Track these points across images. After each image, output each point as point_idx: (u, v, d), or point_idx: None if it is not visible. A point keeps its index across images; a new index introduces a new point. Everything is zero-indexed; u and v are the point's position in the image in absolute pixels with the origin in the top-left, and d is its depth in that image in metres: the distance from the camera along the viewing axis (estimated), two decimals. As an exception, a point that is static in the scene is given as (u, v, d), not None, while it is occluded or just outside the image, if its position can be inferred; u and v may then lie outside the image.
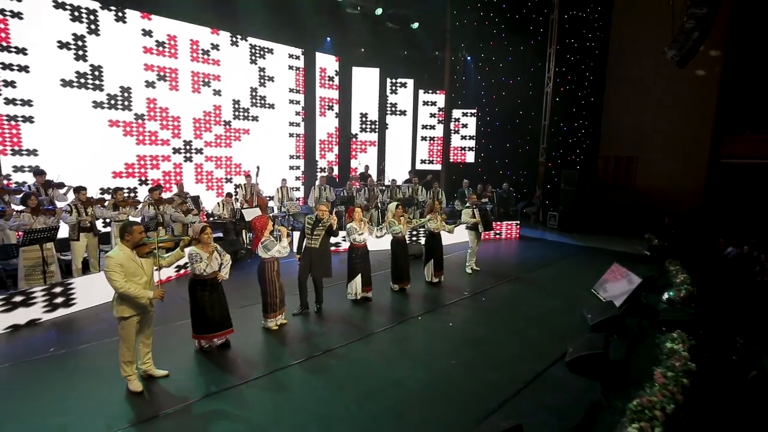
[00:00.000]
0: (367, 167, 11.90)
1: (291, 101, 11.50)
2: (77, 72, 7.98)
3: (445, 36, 12.83)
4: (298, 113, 11.66)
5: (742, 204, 12.42)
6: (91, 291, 5.44)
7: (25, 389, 3.61)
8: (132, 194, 8.78)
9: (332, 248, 6.68)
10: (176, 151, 9.57)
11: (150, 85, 8.99)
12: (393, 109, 13.10)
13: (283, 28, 10.66)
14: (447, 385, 3.82)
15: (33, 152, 7.50)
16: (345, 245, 7.72)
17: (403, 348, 4.68)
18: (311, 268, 5.30)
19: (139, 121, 8.92)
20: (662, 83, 12.75)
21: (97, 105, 8.29)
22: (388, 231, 6.21)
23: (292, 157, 11.73)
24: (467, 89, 13.40)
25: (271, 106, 11.12)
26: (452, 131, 13.66)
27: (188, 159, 9.78)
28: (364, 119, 12.89)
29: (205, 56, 9.82)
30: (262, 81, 10.84)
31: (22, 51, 7.29)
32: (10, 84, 7.21)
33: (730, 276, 8.75)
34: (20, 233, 5.45)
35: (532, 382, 3.86)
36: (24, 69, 7.32)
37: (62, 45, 7.76)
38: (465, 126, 13.63)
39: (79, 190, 6.03)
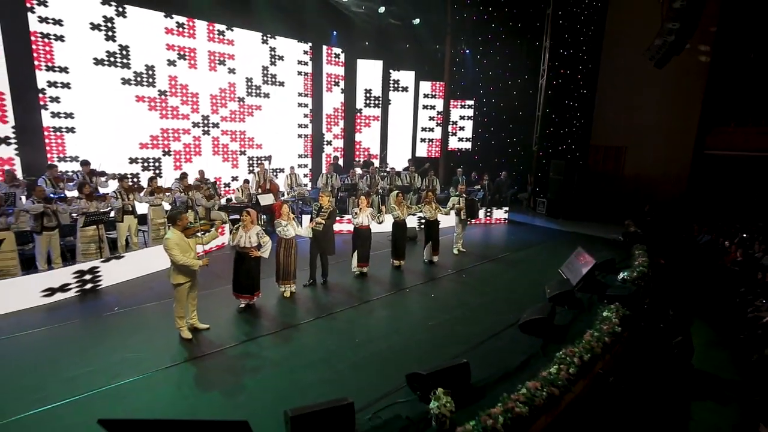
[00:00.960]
0: (369, 155, 12.88)
1: (299, 73, 12.32)
2: (107, 51, 8.86)
3: (446, 30, 13.55)
4: (305, 95, 12.57)
5: (724, 193, 13.25)
6: (138, 264, 6.60)
7: (100, 337, 4.78)
8: (136, 180, 9.67)
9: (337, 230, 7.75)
10: (195, 125, 10.50)
11: (171, 63, 9.86)
12: (396, 85, 13.90)
13: (291, 23, 11.47)
14: (422, 338, 4.92)
15: (70, 116, 8.52)
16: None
17: (392, 312, 5.79)
18: (318, 246, 6.38)
19: (162, 96, 9.84)
20: (652, 77, 13.38)
21: (125, 82, 9.21)
22: (391, 214, 7.28)
23: (300, 132, 12.65)
24: (466, 81, 14.18)
25: (281, 84, 11.96)
26: (450, 124, 14.52)
27: (206, 132, 10.71)
28: (368, 95, 13.71)
29: (221, 36, 10.63)
30: (272, 60, 11.64)
31: (60, 38, 8.23)
32: (51, 69, 8.23)
33: (694, 260, 9.70)
34: (76, 216, 6.57)
35: (488, 339, 4.95)
36: (60, 39, 8.24)
37: (94, 26, 8.60)
38: (462, 119, 14.50)
39: (122, 179, 7.14)
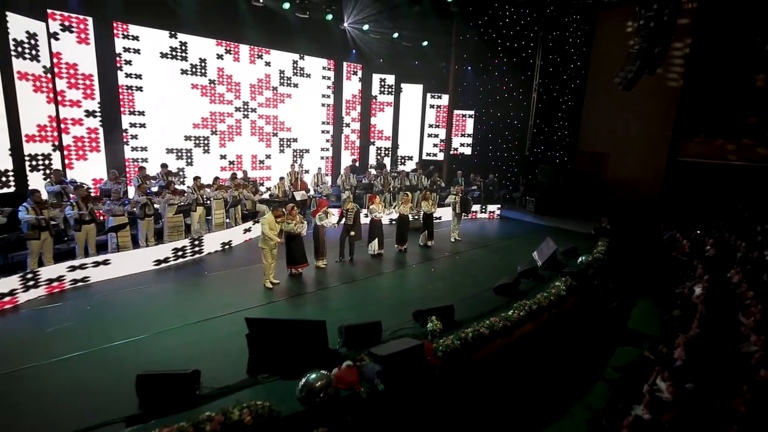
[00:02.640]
0: (382, 157, 14.94)
1: (323, 76, 14.27)
2: (170, 47, 10.92)
3: (450, 50, 15.51)
4: (328, 86, 14.52)
5: (693, 196, 15.16)
6: (215, 241, 8.76)
7: (197, 291, 6.90)
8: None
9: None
10: (237, 109, 12.47)
11: (219, 57, 11.84)
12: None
13: (316, 43, 13.40)
14: (423, 295, 6.98)
15: (141, 113, 10.64)
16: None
17: (402, 280, 7.89)
18: (348, 233, 8.47)
19: (212, 85, 11.85)
20: (632, 93, 15.25)
21: (183, 72, 11.28)
22: (399, 210, 9.36)
23: (323, 120, 14.66)
24: (467, 93, 16.14)
25: (308, 76, 13.84)
26: (454, 128, 16.51)
27: (246, 116, 12.67)
28: (382, 83, 15.50)
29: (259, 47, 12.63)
30: (302, 55, 13.53)
31: (135, 38, 10.37)
32: (128, 63, 10.35)
33: (652, 251, 11.65)
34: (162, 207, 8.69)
35: (470, 297, 7.00)
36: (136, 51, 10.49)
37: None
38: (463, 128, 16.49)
39: (196, 179, 9.26)
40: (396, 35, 13.42)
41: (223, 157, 12.43)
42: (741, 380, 4.62)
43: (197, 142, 11.85)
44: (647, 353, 5.91)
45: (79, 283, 6.90)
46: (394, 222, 10.18)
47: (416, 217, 10.11)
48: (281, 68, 13.23)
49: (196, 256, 8.44)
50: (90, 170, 9.94)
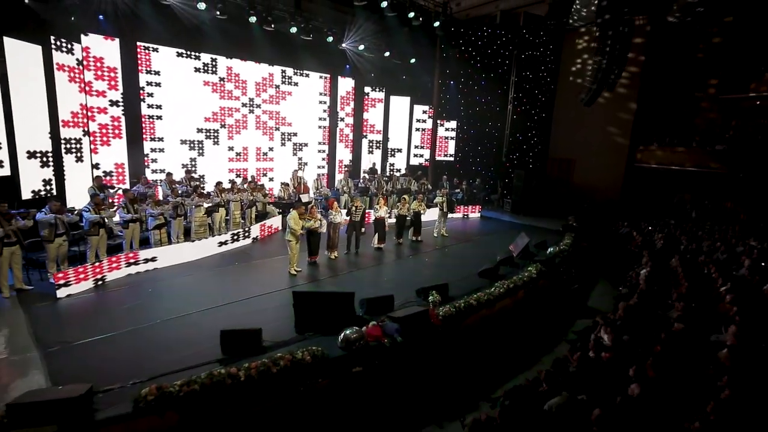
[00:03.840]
0: (374, 164, 16.44)
1: (320, 76, 15.58)
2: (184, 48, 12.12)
3: (435, 66, 17.16)
4: (324, 86, 15.83)
5: (648, 197, 17.22)
6: (237, 239, 10.05)
7: (232, 278, 8.22)
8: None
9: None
10: (244, 105, 13.70)
11: (229, 57, 13.07)
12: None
13: (313, 58, 14.69)
14: (420, 279, 8.44)
15: (158, 107, 11.82)
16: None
17: (402, 267, 9.38)
18: (354, 229, 9.91)
19: (221, 82, 13.06)
20: (595, 106, 17.22)
21: (197, 70, 12.47)
22: (397, 210, 10.88)
23: (320, 116, 15.96)
24: (450, 105, 17.81)
25: (307, 75, 15.13)
26: (438, 136, 18.16)
27: (251, 111, 13.91)
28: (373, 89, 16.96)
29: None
30: (302, 71, 14.84)
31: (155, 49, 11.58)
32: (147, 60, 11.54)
33: (610, 244, 13.48)
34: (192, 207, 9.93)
35: (459, 279, 8.52)
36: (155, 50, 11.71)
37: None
38: (448, 131, 18.14)
39: (218, 184, 10.53)
40: (387, 54, 14.96)
41: (230, 148, 13.58)
42: (661, 333, 6.28)
43: (208, 134, 13.02)
44: (598, 318, 7.56)
45: (139, 271, 8.17)
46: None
47: (409, 217, 11.63)
48: (283, 68, 14.53)
49: (222, 249, 9.74)
50: (113, 155, 11.08)
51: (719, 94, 16.93)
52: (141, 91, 11.55)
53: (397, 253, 10.42)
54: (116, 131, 11.11)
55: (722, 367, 5.07)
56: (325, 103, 15.75)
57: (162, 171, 11.88)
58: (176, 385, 4.38)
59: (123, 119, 11.18)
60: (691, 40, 16.55)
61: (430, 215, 12.64)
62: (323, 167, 16.02)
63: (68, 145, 9.79)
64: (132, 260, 8.00)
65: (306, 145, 15.45)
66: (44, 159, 9.11)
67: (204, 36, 11.70)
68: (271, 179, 14.30)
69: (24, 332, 5.67)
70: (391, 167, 16.96)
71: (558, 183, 18.23)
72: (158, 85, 11.82)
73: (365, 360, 5.55)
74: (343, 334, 5.57)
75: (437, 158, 18.24)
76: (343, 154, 16.55)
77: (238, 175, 13.19)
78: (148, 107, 11.75)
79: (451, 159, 18.28)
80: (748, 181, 15.28)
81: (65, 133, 9.65)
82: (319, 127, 15.93)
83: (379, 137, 17.15)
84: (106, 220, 8.21)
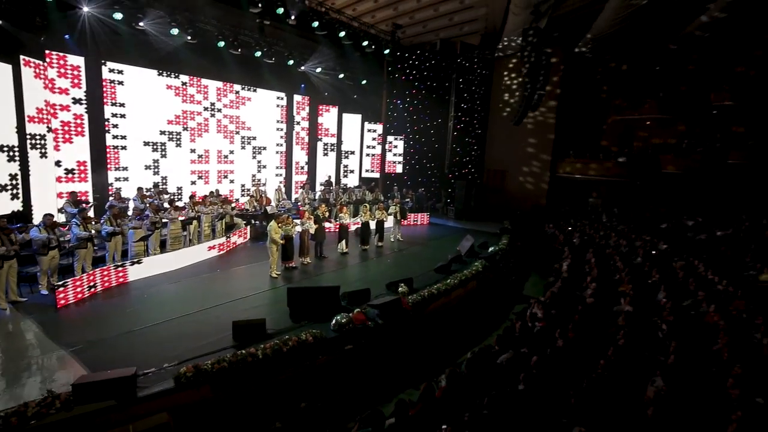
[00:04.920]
0: (329, 176, 17.61)
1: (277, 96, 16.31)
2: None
3: (383, 87, 18.77)
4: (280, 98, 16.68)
5: (568, 202, 19.94)
6: (214, 247, 10.72)
7: (219, 282, 9.01)
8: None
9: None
10: (206, 109, 14.11)
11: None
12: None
13: (269, 77, 15.50)
14: (387, 277, 9.77)
15: (122, 104, 11.91)
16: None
17: (367, 268, 10.63)
18: (318, 236, 11.02)
19: (184, 86, 13.39)
20: (523, 124, 19.74)
21: (160, 74, 12.73)
22: (360, 218, 12.14)
23: (277, 119, 16.64)
24: (398, 122, 19.48)
25: (267, 83, 15.65)
26: (387, 150, 19.73)
27: (213, 115, 14.31)
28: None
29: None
30: (255, 88, 15.47)
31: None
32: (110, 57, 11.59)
33: (539, 242, 15.72)
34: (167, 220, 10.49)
35: (420, 274, 9.96)
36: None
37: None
38: (396, 147, 19.79)
39: (191, 197, 11.15)
40: (341, 75, 16.29)
41: (192, 151, 13.90)
42: (578, 306, 8.11)
43: (171, 136, 13.27)
44: (532, 300, 9.34)
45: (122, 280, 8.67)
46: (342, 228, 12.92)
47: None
48: (243, 86, 15.19)
49: (201, 258, 10.40)
50: (75, 153, 11.05)
51: (619, 116, 20.22)
52: (104, 91, 11.60)
53: (361, 257, 11.67)
54: (79, 128, 11.10)
55: (619, 327, 6.91)
56: (281, 107, 16.58)
57: (125, 168, 12.14)
58: (208, 363, 5.32)
59: (86, 117, 11.17)
60: (596, 70, 19.68)
61: (386, 223, 14.00)
62: (281, 169, 16.79)
63: (33, 141, 9.80)
64: (121, 275, 8.54)
65: (265, 148, 16.14)
66: (11, 153, 9.22)
67: (172, 57, 12.22)
68: (231, 181, 14.84)
69: (41, 337, 6.20)
70: (344, 186, 18.10)
71: (493, 191, 20.52)
72: (121, 83, 11.90)
73: (354, 339, 6.75)
74: (335, 320, 6.75)
75: (387, 171, 19.78)
76: (300, 156, 17.45)
77: (200, 177, 13.65)
78: (112, 104, 11.79)
79: (400, 171, 19.90)
80: (643, 186, 18.44)
81: (30, 128, 9.64)
82: (277, 129, 16.62)
83: (333, 140, 18.24)
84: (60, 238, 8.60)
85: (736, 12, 13.64)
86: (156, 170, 12.93)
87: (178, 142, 13.56)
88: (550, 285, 10.66)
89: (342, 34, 13.42)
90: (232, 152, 15.24)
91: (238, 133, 15.37)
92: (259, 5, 11.19)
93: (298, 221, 10.43)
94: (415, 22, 17.48)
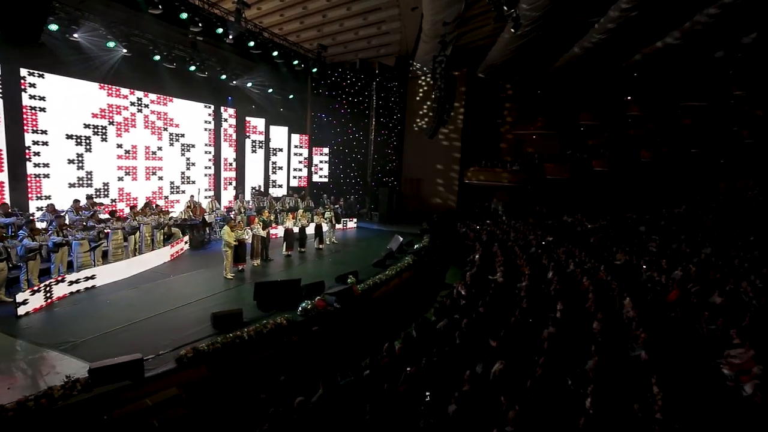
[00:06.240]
0: (260, 186, 18.27)
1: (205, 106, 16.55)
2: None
3: (308, 101, 19.94)
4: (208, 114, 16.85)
5: (474, 205, 22.85)
6: (159, 255, 10.99)
7: (176, 286, 9.50)
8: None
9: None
10: (132, 104, 13.73)
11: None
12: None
13: (197, 89, 15.76)
14: (333, 272, 11.02)
15: (42, 98, 11.07)
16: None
17: (309, 266, 11.76)
18: (263, 242, 11.89)
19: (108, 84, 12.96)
20: (436, 136, 22.25)
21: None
22: (299, 223, 13.19)
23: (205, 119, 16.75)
24: (322, 134, 20.75)
25: (195, 94, 15.74)
26: (314, 163, 20.87)
27: (140, 110, 14.01)
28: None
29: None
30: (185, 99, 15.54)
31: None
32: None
33: (454, 241, 18.09)
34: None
35: (361, 269, 11.37)
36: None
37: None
38: (323, 157, 21.01)
39: (132, 207, 11.27)
40: (270, 90, 17.15)
41: (119, 146, 13.46)
42: (491, 284, 10.19)
43: (96, 130, 12.75)
44: (455, 284, 11.29)
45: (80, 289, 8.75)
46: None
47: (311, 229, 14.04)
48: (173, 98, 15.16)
49: (146, 267, 10.64)
50: None
51: (513, 131, 23.81)
52: (22, 81, 10.87)
53: (303, 258, 12.74)
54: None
55: (522, 297, 9.01)
56: (210, 106, 16.74)
57: (46, 165, 11.53)
58: (204, 345, 6.19)
59: (1, 104, 10.37)
60: (493, 91, 23.05)
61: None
62: (209, 168, 16.89)
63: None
64: (74, 280, 8.66)
65: (193, 146, 16.15)
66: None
67: (103, 67, 12.11)
68: (160, 178, 14.61)
69: (18, 341, 6.42)
70: (275, 197, 18.74)
71: (411, 198, 22.73)
72: (41, 76, 11.26)
73: (319, 321, 7.95)
74: (301, 307, 7.90)
75: (313, 180, 20.91)
76: (228, 153, 17.61)
77: (127, 173, 13.34)
78: (30, 98, 11.07)
79: (326, 180, 21.15)
80: (534, 190, 22.01)
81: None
82: (205, 129, 16.68)
83: (261, 137, 18.75)
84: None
85: (598, 47, 17.38)
86: (80, 165, 12.38)
87: (104, 137, 13.07)
88: (468, 271, 12.80)
89: (275, 53, 14.39)
90: (160, 149, 14.99)
91: (166, 129, 15.16)
92: (200, 25, 11.77)
93: (248, 227, 11.20)
94: (337, 43, 18.97)
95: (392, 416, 4.91)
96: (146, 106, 14.40)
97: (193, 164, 16.24)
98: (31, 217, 9.52)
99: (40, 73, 11.16)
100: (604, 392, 5.15)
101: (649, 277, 11.03)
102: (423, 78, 21.78)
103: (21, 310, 7.33)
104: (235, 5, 12.48)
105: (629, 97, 21.66)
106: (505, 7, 12.20)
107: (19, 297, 7.34)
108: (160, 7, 10.36)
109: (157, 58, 12.38)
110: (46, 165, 11.61)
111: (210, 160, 16.99)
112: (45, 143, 11.55)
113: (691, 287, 9.50)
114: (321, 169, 21.09)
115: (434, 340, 7.19)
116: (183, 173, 15.93)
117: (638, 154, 21.01)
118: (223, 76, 14.98)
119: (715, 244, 13.82)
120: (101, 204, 11.86)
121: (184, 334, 6.93)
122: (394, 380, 5.67)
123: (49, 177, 11.70)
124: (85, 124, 12.56)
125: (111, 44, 11.07)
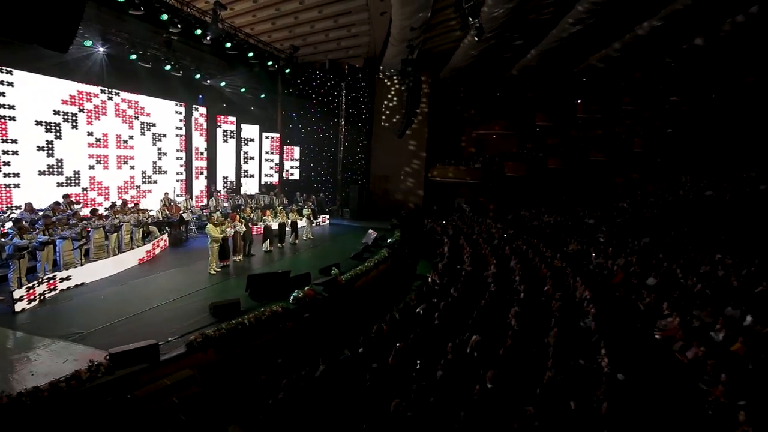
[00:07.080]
0: (232, 182, 18.51)
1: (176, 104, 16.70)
2: None
3: (278, 100, 20.28)
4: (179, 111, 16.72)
5: (439, 201, 24.00)
6: (141, 253, 11.20)
7: (164, 281, 9.85)
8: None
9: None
10: (102, 91, 13.30)
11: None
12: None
13: (168, 87, 15.72)
14: (314, 265, 11.67)
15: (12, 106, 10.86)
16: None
17: (290, 261, 12.34)
18: (245, 238, 12.34)
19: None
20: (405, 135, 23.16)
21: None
22: (276, 219, 13.69)
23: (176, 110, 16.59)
24: (293, 133, 21.16)
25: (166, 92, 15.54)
26: (285, 160, 21.24)
27: (110, 98, 13.67)
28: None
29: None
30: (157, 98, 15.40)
31: None
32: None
33: (421, 235, 19.12)
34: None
35: (342, 260, 12.08)
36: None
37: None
38: (294, 157, 21.40)
39: (112, 206, 11.39)
40: (243, 90, 17.41)
41: (90, 134, 13.17)
42: (461, 273, 11.21)
43: (66, 117, 12.45)
44: (429, 274, 12.25)
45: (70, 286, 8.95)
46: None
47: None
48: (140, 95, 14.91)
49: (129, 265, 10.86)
50: None
51: (475, 131, 25.17)
52: None
53: (283, 253, 13.29)
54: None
55: (489, 283, 10.08)
56: (181, 105, 16.57)
57: (15, 153, 11.21)
58: (211, 331, 6.75)
59: None
60: (457, 93, 24.28)
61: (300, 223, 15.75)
62: (181, 158, 16.85)
63: None
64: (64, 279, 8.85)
65: (165, 135, 15.93)
66: None
67: (73, 65, 12.02)
68: (132, 167, 14.49)
69: (24, 336, 6.69)
70: (248, 194, 18.98)
71: (380, 194, 23.59)
72: (10, 72, 10.89)
73: (309, 309, 8.64)
74: (292, 296, 8.54)
75: (284, 177, 21.29)
76: (199, 142, 17.47)
77: (98, 161, 13.22)
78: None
79: (297, 178, 21.59)
80: (495, 186, 23.45)
81: None
82: (176, 112, 16.52)
83: (233, 127, 18.76)
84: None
85: (550, 54, 18.89)
86: (50, 152, 12.07)
87: (75, 124, 12.76)
88: (439, 262, 13.83)
89: (251, 54, 14.74)
90: (131, 137, 14.71)
91: (137, 118, 14.93)
92: (179, 26, 11.99)
93: (231, 223, 11.61)
94: (307, 44, 19.40)
95: (389, 382, 5.74)
96: (117, 94, 14.06)
97: (165, 154, 16.10)
98: (19, 216, 9.53)
99: (9, 69, 10.96)
100: (561, 355, 6.26)
101: (597, 263, 12.49)
102: (390, 79, 22.61)
103: (18, 307, 7.53)
104: (212, 6, 12.77)
105: (579, 101, 23.52)
106: (470, 18, 13.25)
107: (16, 294, 7.53)
108: (141, 9, 10.54)
109: (134, 57, 12.44)
110: (16, 175, 11.39)
111: (181, 145, 16.76)
112: (15, 153, 11.26)
113: (632, 270, 10.96)
114: (292, 166, 21.49)
115: (416, 321, 8.08)
116: (155, 163, 15.81)
117: (588, 154, 22.91)
118: (198, 75, 15.12)
119: (653, 234, 15.62)
120: (77, 202, 11.86)
121: (185, 323, 7.41)
122: (386, 355, 6.50)
123: (19, 187, 11.44)
124: (54, 111, 12.21)
125: (88, 43, 11.09)
